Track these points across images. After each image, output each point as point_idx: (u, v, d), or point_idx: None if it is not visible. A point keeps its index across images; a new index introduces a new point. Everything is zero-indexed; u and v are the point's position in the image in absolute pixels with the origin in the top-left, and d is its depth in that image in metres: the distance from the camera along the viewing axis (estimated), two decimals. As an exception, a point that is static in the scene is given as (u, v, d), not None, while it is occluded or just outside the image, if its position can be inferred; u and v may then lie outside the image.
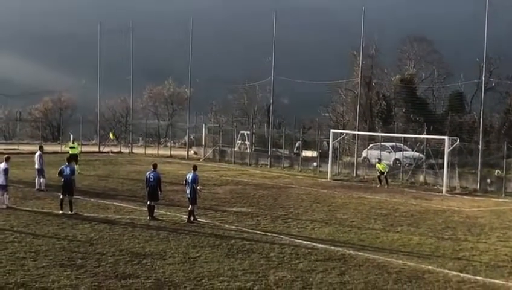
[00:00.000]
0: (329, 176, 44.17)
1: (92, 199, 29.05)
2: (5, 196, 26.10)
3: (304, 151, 54.62)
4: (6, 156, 28.26)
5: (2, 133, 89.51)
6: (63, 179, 25.10)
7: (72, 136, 48.20)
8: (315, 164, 49.47)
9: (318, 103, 73.78)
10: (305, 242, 20.35)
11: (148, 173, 24.58)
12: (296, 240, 20.65)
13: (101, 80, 70.46)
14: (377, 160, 43.28)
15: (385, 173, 40.99)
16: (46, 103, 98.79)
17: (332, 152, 46.15)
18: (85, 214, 24.54)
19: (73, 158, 37.29)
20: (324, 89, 68.79)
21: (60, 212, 24.63)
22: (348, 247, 19.85)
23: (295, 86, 60.86)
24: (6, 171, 26.22)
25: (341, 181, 43.29)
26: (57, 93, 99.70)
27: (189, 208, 23.86)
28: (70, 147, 41.72)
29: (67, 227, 21.70)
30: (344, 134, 51.03)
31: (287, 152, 55.44)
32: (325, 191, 36.50)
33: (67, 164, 25.86)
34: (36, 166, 32.64)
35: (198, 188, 23.97)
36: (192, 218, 23.71)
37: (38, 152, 33.23)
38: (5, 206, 25.60)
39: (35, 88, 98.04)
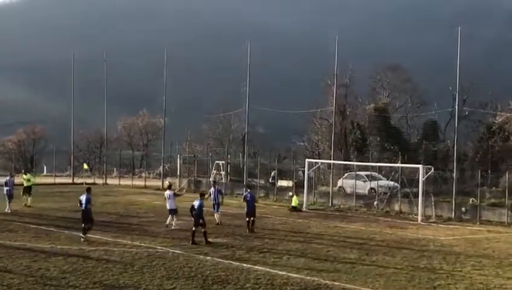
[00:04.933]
0: (304, 205, 44.12)
1: (65, 231, 28.74)
2: None
3: (279, 180, 54.59)
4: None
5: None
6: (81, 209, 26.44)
7: (23, 170, 48.07)
8: (290, 193, 49.42)
9: (293, 132, 74.04)
10: (280, 272, 20.22)
11: (195, 202, 26.81)
12: (272, 271, 20.50)
13: (75, 111, 70.12)
14: (292, 194, 44.56)
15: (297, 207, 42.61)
16: (19, 134, 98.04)
17: (308, 181, 46.16)
18: (58, 247, 24.24)
19: (26, 190, 38.40)
20: (299, 118, 69.12)
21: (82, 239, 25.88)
22: (324, 277, 19.74)
23: (270, 115, 61.09)
24: None
25: (316, 211, 43.26)
26: (30, 125, 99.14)
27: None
28: (27, 180, 41.23)
29: (40, 260, 21.41)
30: (319, 163, 51.11)
31: (262, 182, 55.36)
32: (300, 220, 36.44)
33: (86, 193, 26.77)
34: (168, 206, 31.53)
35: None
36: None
37: (169, 191, 32.01)
38: None
39: (8, 118, 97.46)
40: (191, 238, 26.12)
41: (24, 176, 41.97)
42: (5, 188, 36.45)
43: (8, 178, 37.31)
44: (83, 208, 26.53)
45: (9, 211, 35.23)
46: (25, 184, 40.61)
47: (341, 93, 59.95)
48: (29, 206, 38.53)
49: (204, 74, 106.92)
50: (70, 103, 70.15)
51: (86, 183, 62.57)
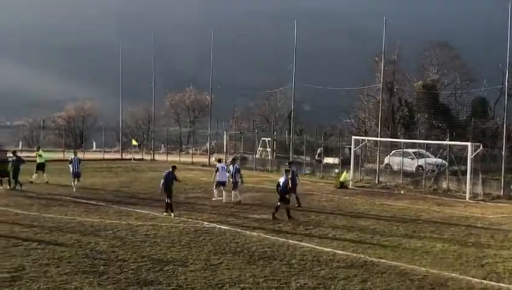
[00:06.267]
0: (351, 182, 43.98)
1: (114, 206, 29.21)
2: None
3: (325, 157, 54.45)
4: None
5: (26, 140, 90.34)
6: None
7: (37, 147, 48.26)
8: (337, 170, 49.27)
9: (340, 109, 73.65)
10: (326, 249, 20.27)
11: (280, 178, 27.86)
12: (318, 247, 20.56)
13: (123, 88, 70.85)
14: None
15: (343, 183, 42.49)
16: (69, 111, 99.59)
17: (354, 159, 45.96)
18: (107, 221, 24.65)
19: (40, 166, 38.76)
20: (346, 96, 68.76)
21: (164, 214, 26.80)
22: (370, 254, 19.73)
23: (316, 92, 60.84)
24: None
25: (363, 188, 43.11)
26: (80, 101, 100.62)
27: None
28: (39, 155, 41.39)
29: (89, 234, 21.81)
30: (366, 140, 50.80)
31: (308, 159, 55.28)
32: (346, 197, 36.37)
33: (170, 170, 27.73)
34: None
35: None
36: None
37: (220, 164, 33.50)
38: None
39: (59, 97, 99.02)
40: (273, 211, 26.87)
41: (37, 152, 42.11)
42: (70, 166, 36.20)
43: (72, 157, 37.04)
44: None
45: (74, 188, 35.16)
46: (38, 160, 40.86)
47: (389, 70, 59.41)
48: (47, 182, 38.70)
49: (251, 50, 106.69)
50: (119, 80, 70.92)
51: (134, 159, 63.62)
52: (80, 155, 38.88)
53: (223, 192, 32.05)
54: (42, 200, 30.91)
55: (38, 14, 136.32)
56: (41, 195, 32.85)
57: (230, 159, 45.09)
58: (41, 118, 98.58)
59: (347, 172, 43.70)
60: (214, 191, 32.83)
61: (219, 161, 34.93)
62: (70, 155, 40.93)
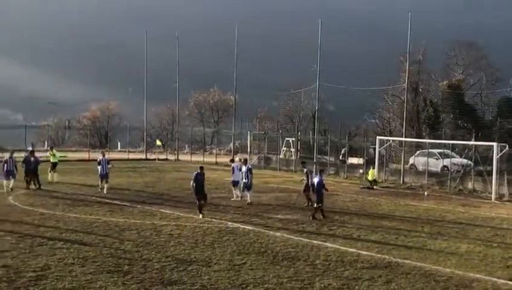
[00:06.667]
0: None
1: (138, 206, 29.32)
2: None
3: (349, 158, 54.26)
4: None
5: (51, 140, 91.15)
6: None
7: (50, 146, 48.78)
8: (361, 171, 49.10)
9: (364, 109, 73.46)
10: (350, 249, 20.19)
11: (315, 179, 27.85)
12: (342, 248, 20.49)
13: (148, 88, 71.16)
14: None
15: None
16: (94, 111, 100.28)
17: (379, 159, 45.75)
18: (131, 221, 24.76)
19: (53, 166, 39.24)
20: (370, 96, 68.54)
21: (201, 216, 26.18)
22: (395, 255, 19.61)
23: (341, 92, 60.71)
24: None
25: (387, 188, 42.90)
26: (105, 102, 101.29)
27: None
28: (52, 155, 41.71)
29: (114, 233, 21.92)
30: (390, 141, 50.57)
31: (332, 159, 55.14)
32: (371, 198, 36.21)
33: (199, 171, 27.24)
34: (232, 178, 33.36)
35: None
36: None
37: (236, 164, 33.99)
38: None
39: (84, 97, 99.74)
40: (313, 213, 26.91)
41: (51, 152, 42.43)
42: (99, 167, 35.80)
43: (100, 158, 36.78)
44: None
45: (105, 190, 34.99)
46: (51, 160, 41.14)
47: (414, 70, 59.10)
48: (53, 181, 39.02)
49: (276, 51, 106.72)
50: (143, 80, 71.25)
51: (159, 159, 63.87)
52: (105, 155, 39.18)
53: (245, 193, 32.07)
54: (67, 200, 31.15)
55: (63, 16, 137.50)
56: (66, 195, 33.12)
57: (254, 159, 45.31)
58: (67, 118, 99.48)
59: (373, 168, 43.56)
60: (234, 191, 33.22)
61: (232, 160, 35.98)
62: (97, 155, 41.16)
